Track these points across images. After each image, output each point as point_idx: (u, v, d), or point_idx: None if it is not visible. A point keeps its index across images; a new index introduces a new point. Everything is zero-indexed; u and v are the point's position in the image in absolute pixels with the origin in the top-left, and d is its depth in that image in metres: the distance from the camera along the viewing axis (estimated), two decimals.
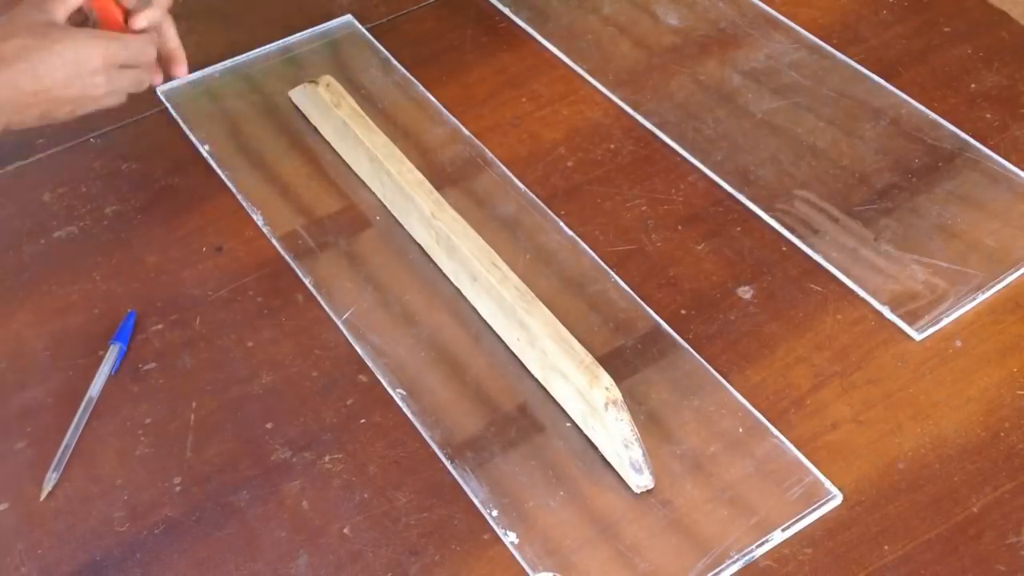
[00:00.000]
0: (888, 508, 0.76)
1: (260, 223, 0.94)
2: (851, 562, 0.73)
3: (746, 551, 0.73)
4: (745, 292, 0.89)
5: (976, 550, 0.73)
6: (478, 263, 0.84)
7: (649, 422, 0.80)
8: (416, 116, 1.03)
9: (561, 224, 0.93)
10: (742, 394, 0.81)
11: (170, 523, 0.76)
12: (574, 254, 0.91)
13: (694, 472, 0.77)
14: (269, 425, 0.81)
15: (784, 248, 0.92)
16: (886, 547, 0.74)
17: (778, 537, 0.74)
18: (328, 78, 0.99)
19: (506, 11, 1.14)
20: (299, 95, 1.03)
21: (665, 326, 0.86)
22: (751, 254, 0.91)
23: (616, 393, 0.75)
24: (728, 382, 0.82)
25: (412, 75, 1.07)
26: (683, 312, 0.87)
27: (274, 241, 0.93)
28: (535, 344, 0.80)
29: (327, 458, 0.79)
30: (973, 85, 1.04)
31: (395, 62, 1.08)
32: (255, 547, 0.75)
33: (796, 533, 0.74)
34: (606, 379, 0.76)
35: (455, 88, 1.06)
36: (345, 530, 0.75)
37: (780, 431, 0.79)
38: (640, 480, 0.76)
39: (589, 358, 0.77)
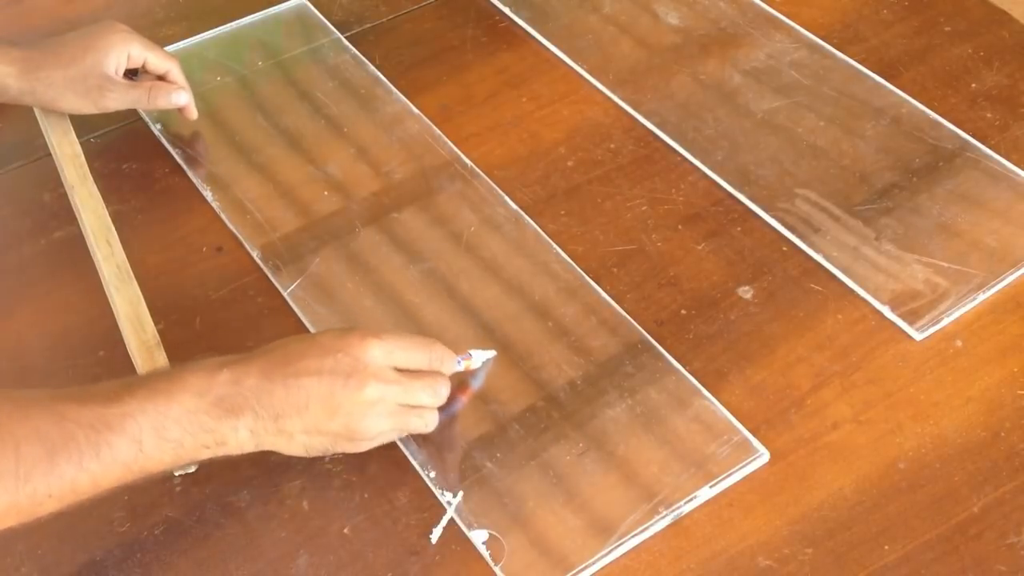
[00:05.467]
0: (888, 508, 0.76)
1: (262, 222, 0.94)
2: (851, 562, 0.73)
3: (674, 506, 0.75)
4: (745, 292, 0.89)
5: (976, 550, 0.73)
6: (93, 237, 0.89)
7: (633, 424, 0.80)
8: (409, 122, 1.03)
9: (542, 233, 0.93)
10: (742, 394, 0.82)
11: (170, 523, 0.76)
12: (536, 242, 0.91)
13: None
14: None
15: (784, 248, 0.91)
16: (886, 547, 0.74)
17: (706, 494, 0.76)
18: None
19: (506, 11, 1.14)
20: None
21: (641, 328, 0.86)
22: (751, 254, 0.91)
23: None
24: (726, 382, 0.82)
25: (412, 75, 1.07)
26: (683, 312, 0.87)
27: (255, 250, 0.93)
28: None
29: (327, 458, 0.79)
30: (973, 84, 1.04)
31: (365, 60, 1.08)
32: (255, 547, 0.75)
33: (796, 532, 0.74)
34: (162, 364, 0.80)
35: (455, 88, 1.06)
36: (345, 530, 0.75)
37: (777, 428, 0.79)
38: None
39: (155, 340, 0.82)
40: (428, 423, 0.76)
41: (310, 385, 0.70)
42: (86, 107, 0.95)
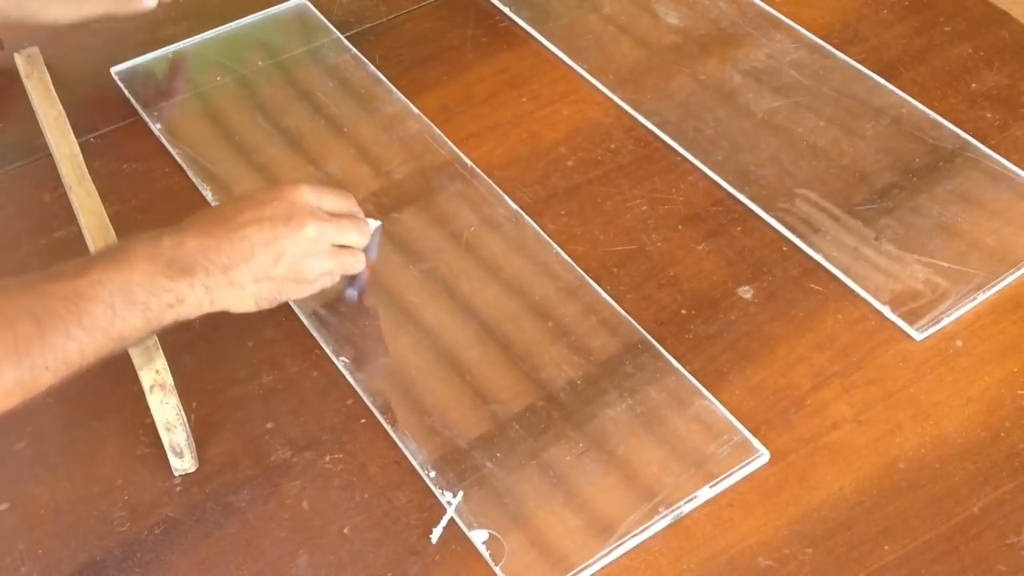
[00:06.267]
0: (888, 508, 0.76)
1: None
2: (851, 562, 0.73)
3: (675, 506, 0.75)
4: (745, 292, 0.89)
5: (976, 550, 0.73)
6: (90, 237, 0.88)
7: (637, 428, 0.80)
8: (407, 123, 1.03)
9: (542, 233, 0.93)
10: (742, 394, 0.82)
11: (170, 523, 0.76)
12: (536, 243, 0.91)
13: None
14: (269, 425, 0.81)
15: (784, 248, 0.91)
16: (886, 547, 0.74)
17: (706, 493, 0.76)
18: (32, 50, 1.05)
19: (506, 11, 1.14)
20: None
21: (641, 328, 0.86)
22: (751, 254, 0.91)
23: (166, 377, 0.77)
24: (726, 382, 0.82)
25: (412, 75, 1.07)
26: (683, 312, 0.87)
27: None
28: None
29: (327, 458, 0.79)
30: (974, 84, 1.04)
31: (365, 60, 1.08)
32: (255, 547, 0.75)
33: (796, 532, 0.74)
34: (159, 363, 0.78)
35: (455, 88, 1.06)
36: (345, 530, 0.75)
37: (777, 428, 0.79)
38: (180, 464, 0.78)
39: (153, 341, 0.79)
40: (359, 261, 0.81)
41: (253, 234, 0.75)
42: (70, 13, 0.99)
